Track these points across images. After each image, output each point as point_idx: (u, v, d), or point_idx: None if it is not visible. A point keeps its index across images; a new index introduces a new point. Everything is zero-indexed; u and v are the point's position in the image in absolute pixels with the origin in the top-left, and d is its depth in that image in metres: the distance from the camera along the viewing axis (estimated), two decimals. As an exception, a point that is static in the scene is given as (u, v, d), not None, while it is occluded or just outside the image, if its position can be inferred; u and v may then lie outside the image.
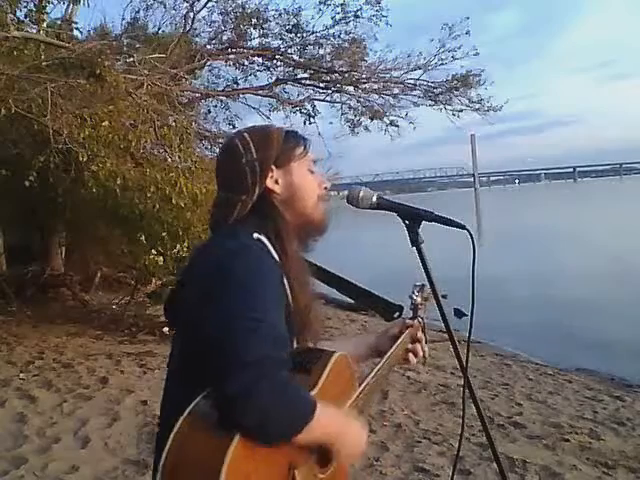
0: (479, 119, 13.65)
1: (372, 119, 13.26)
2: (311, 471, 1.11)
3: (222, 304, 1.03)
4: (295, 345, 1.21)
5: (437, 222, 1.39)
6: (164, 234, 6.41)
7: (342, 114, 13.29)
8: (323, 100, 13.32)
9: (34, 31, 7.53)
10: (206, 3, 11.32)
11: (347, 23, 11.79)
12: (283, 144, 1.28)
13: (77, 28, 8.90)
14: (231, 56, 12.36)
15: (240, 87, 12.89)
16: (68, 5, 8.63)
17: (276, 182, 1.26)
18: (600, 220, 25.63)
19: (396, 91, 13.08)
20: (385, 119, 13.31)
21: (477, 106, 13.15)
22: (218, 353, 0.97)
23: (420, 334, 1.56)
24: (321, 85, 12.99)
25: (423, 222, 1.39)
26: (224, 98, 12.86)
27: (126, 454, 3.60)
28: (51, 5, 8.01)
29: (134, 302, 8.16)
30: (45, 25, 8.09)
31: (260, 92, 12.79)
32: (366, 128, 13.45)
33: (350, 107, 13.25)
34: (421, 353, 1.55)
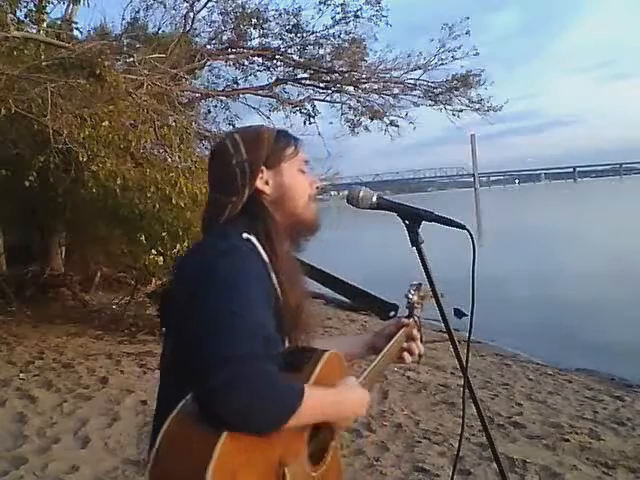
0: (479, 119, 13.67)
1: (372, 119, 13.26)
2: (302, 468, 1.11)
3: (206, 302, 1.04)
4: (287, 344, 1.21)
5: (437, 222, 1.39)
6: (164, 234, 6.41)
7: (342, 114, 13.31)
8: (323, 100, 13.32)
9: (34, 31, 7.53)
10: (206, 3, 11.33)
11: (347, 23, 11.80)
12: (274, 144, 1.29)
13: (77, 28, 8.91)
14: (231, 56, 12.36)
15: (240, 87, 12.89)
16: (68, 5, 8.63)
17: (266, 183, 1.27)
18: (600, 220, 25.64)
19: (396, 91, 13.09)
20: (385, 119, 13.31)
21: (477, 106, 13.15)
22: (201, 349, 0.98)
23: (415, 333, 1.55)
24: (321, 85, 12.99)
25: (423, 222, 1.40)
26: (224, 98, 12.86)
27: (126, 454, 3.60)
28: (51, 5, 8.02)
29: (134, 302, 8.16)
30: (45, 25, 8.09)
31: (260, 92, 12.79)
32: (366, 128, 13.46)
33: (350, 107, 13.26)
34: (416, 352, 1.54)
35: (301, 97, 13.07)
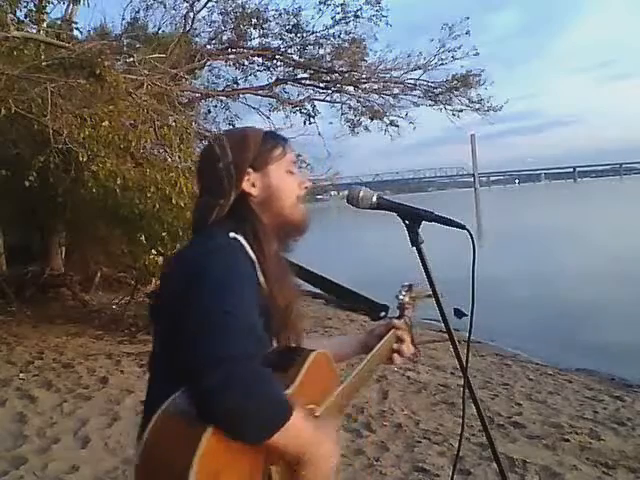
0: (479, 119, 13.70)
1: (372, 119, 13.26)
2: (289, 468, 1.10)
3: (199, 301, 1.04)
4: (275, 344, 1.22)
5: (437, 222, 1.39)
6: (164, 234, 6.41)
7: (342, 114, 13.32)
8: (323, 100, 13.33)
9: (34, 31, 7.53)
10: (206, 3, 11.33)
11: (347, 23, 11.80)
12: (261, 146, 1.29)
13: (77, 28, 8.93)
14: (231, 56, 12.36)
15: (240, 87, 12.89)
16: (68, 5, 8.64)
17: (253, 185, 1.28)
18: (600, 220, 25.63)
19: (396, 91, 13.09)
20: (385, 119, 13.32)
21: (477, 106, 13.16)
22: (194, 349, 0.98)
23: (405, 334, 1.55)
24: (321, 85, 12.99)
25: (423, 222, 1.39)
26: (224, 98, 12.87)
27: (126, 454, 3.60)
28: (51, 5, 8.04)
29: (134, 302, 8.16)
30: (45, 25, 8.10)
31: (260, 92, 12.79)
32: (366, 128, 13.47)
33: (350, 107, 13.27)
34: (407, 353, 1.54)
35: (301, 97, 13.08)
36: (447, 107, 13.20)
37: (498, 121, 14.85)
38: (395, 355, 1.53)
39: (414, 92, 13.05)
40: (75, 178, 7.00)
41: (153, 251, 6.55)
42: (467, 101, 13.12)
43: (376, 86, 12.88)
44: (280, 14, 11.77)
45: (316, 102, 13.19)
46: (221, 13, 11.79)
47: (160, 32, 11.31)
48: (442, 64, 12.57)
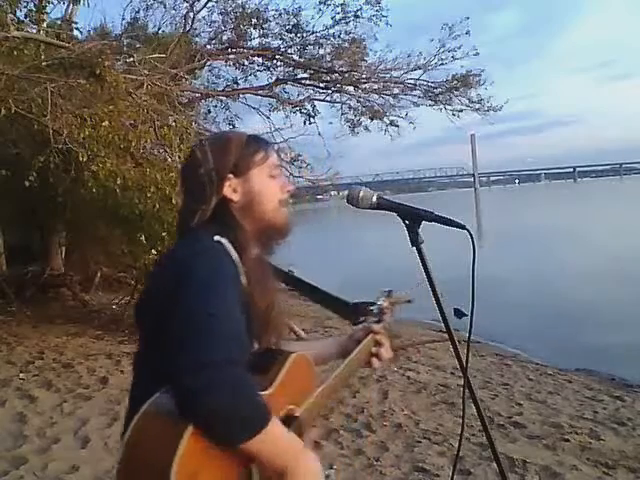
0: (479, 119, 13.72)
1: (372, 119, 13.28)
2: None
3: (184, 303, 1.05)
4: (256, 346, 1.23)
5: (437, 222, 1.39)
6: (164, 234, 6.40)
7: (342, 114, 13.34)
8: (323, 100, 13.34)
9: (34, 31, 7.54)
10: (206, 3, 11.34)
11: (347, 23, 11.82)
12: (242, 151, 1.30)
13: (77, 28, 8.95)
14: (231, 56, 12.37)
15: (240, 87, 12.91)
16: (68, 5, 8.65)
17: (234, 190, 1.28)
18: (600, 220, 25.63)
19: (396, 91, 13.11)
20: (385, 119, 13.34)
21: (477, 106, 13.18)
22: (178, 351, 0.99)
23: (384, 338, 1.56)
24: (321, 85, 13.00)
25: (423, 222, 1.40)
26: (224, 98, 12.88)
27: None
28: (51, 5, 8.05)
29: (134, 302, 8.15)
30: (45, 25, 8.11)
31: (260, 92, 12.80)
32: (366, 128, 13.49)
33: (350, 107, 13.29)
34: (385, 357, 1.55)
35: (301, 97, 13.10)
36: (447, 107, 13.24)
37: (498, 121, 14.87)
38: (374, 359, 1.54)
39: (414, 92, 13.08)
40: (75, 178, 7.00)
41: (153, 251, 6.54)
42: (467, 101, 13.16)
43: (376, 86, 12.90)
44: (280, 14, 11.81)
45: (316, 102, 13.23)
46: (221, 13, 11.83)
47: (160, 32, 11.34)
48: (442, 64, 12.62)
